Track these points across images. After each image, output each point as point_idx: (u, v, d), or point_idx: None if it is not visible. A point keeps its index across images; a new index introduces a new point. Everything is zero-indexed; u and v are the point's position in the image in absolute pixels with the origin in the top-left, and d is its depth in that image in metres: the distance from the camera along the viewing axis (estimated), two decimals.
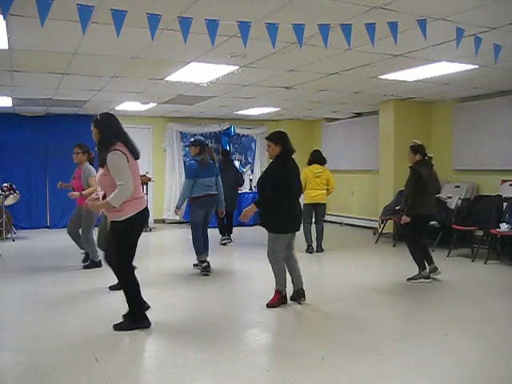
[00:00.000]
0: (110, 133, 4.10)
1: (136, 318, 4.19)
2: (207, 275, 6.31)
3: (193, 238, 6.47)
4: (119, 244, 4.11)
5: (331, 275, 6.39)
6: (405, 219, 5.84)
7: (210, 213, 6.62)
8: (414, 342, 3.93)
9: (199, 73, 6.57)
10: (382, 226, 9.06)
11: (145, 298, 4.31)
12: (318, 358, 3.58)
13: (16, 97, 8.44)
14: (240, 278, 6.50)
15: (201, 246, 6.47)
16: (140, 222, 4.18)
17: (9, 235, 9.20)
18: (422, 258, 6.00)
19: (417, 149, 6.03)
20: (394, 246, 8.59)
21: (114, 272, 4.23)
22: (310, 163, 8.06)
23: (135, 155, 4.16)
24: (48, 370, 3.39)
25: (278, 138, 4.89)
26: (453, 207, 8.12)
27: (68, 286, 5.79)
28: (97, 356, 3.59)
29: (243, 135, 12.67)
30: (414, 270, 6.09)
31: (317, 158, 8.07)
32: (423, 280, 5.92)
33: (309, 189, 7.82)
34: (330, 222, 12.01)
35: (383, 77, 6.93)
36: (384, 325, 4.46)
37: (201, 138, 7.04)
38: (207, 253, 6.54)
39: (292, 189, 4.83)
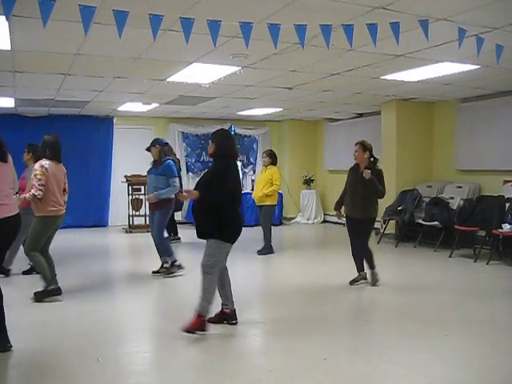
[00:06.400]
0: None
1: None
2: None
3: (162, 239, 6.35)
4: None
5: (332, 276, 6.38)
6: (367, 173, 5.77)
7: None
8: (415, 343, 3.92)
9: (201, 73, 6.57)
10: (384, 226, 9.05)
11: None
12: (319, 358, 3.57)
13: (18, 97, 8.46)
14: (238, 278, 6.49)
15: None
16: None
17: None
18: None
19: (369, 147, 5.90)
20: (396, 246, 8.57)
21: None
22: (275, 163, 8.11)
23: (2, 158, 3.92)
24: (49, 371, 3.39)
25: (215, 137, 4.28)
26: (455, 208, 8.10)
27: (67, 286, 5.79)
28: (98, 356, 3.60)
29: (245, 136, 12.66)
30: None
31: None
32: (363, 281, 5.87)
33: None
34: (332, 222, 12.00)
35: (385, 77, 6.93)
36: (385, 325, 4.45)
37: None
38: None
39: (238, 194, 4.33)
